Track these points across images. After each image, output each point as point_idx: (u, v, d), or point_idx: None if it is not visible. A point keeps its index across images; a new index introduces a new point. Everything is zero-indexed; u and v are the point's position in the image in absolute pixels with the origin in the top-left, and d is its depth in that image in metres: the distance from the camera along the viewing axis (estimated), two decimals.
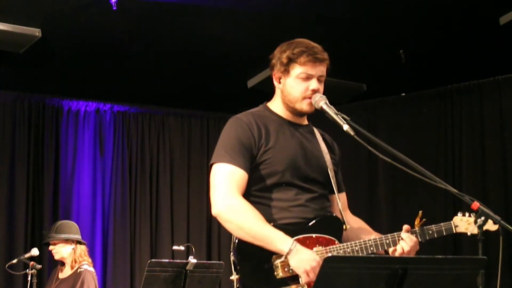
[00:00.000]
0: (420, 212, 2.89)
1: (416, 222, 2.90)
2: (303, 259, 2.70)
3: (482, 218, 2.56)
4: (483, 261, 2.33)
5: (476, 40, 5.99)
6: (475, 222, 2.57)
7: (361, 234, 3.01)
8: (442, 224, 2.90)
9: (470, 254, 5.80)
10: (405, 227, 2.88)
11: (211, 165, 2.92)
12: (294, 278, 2.77)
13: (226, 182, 2.83)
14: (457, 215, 2.92)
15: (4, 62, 6.28)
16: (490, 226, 2.78)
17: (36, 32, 5.62)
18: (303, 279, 2.72)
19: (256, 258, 2.77)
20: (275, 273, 2.76)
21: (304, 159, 2.95)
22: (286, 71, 2.94)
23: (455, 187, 2.86)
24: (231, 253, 2.83)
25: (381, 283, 2.21)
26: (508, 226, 2.54)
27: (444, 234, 2.90)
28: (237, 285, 2.79)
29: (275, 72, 3.00)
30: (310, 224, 2.87)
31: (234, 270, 2.80)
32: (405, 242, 2.83)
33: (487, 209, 2.56)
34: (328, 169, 3.01)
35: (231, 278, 2.80)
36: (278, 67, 2.97)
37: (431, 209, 6.46)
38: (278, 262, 2.76)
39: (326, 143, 3.09)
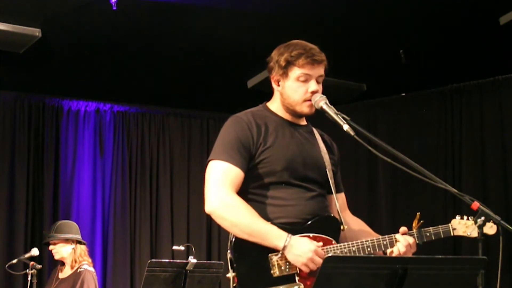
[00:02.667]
0: (418, 214, 2.88)
1: (414, 224, 2.89)
2: (298, 254, 2.72)
3: (482, 218, 2.56)
4: (483, 261, 2.33)
5: (476, 40, 5.99)
6: (475, 222, 2.57)
7: (360, 236, 3.00)
8: (440, 226, 2.90)
9: (470, 254, 5.80)
10: (402, 229, 2.88)
11: (208, 162, 2.92)
12: (290, 276, 2.78)
13: (220, 180, 2.83)
14: (455, 218, 2.92)
15: (4, 62, 6.28)
16: (488, 229, 2.77)
17: (36, 32, 5.62)
18: (303, 270, 2.73)
19: (253, 256, 2.78)
20: (272, 271, 2.76)
21: (302, 159, 2.94)
22: (284, 74, 2.94)
23: (455, 187, 2.86)
24: (228, 251, 2.83)
25: (381, 283, 2.21)
26: (508, 226, 2.53)
27: (442, 236, 2.90)
28: (234, 283, 2.79)
29: (274, 75, 2.99)
30: (308, 223, 2.87)
31: (231, 268, 2.81)
32: (401, 244, 2.83)
33: (487, 209, 2.56)
34: (327, 169, 3.01)
35: (227, 275, 2.81)
36: (276, 70, 2.97)
37: (431, 209, 6.47)
38: (274, 260, 2.77)
39: (325, 143, 3.09)
